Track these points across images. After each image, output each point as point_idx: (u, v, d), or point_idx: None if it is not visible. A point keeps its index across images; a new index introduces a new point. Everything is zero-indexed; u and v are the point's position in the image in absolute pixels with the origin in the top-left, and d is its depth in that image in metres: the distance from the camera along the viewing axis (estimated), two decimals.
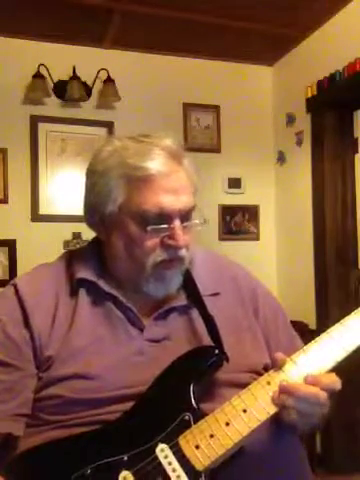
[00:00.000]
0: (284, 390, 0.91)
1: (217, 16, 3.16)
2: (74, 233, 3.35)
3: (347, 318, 0.97)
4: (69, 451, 0.94)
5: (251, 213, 3.80)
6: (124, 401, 0.98)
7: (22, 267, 3.23)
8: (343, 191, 3.32)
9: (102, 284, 1.10)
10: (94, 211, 1.11)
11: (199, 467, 0.86)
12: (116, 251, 1.10)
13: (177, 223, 1.05)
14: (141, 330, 1.09)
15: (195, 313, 1.12)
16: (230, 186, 3.75)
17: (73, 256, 1.19)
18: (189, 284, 1.14)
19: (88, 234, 1.23)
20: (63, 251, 1.27)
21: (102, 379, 1.01)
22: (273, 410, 0.89)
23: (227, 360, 1.02)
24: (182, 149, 1.10)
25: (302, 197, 3.50)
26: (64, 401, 1.00)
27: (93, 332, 1.07)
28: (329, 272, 3.27)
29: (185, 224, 1.07)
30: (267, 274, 3.73)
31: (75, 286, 1.11)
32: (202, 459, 0.86)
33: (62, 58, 3.40)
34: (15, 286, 1.11)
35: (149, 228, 1.04)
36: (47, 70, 3.33)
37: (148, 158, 1.04)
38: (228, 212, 3.75)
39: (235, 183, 3.75)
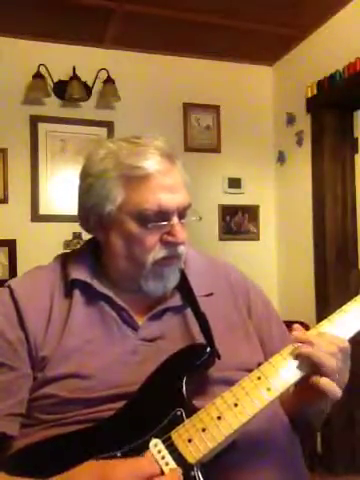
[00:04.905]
0: (298, 340, 0.94)
1: (217, 16, 3.17)
2: (74, 233, 3.35)
3: None
4: (62, 448, 0.94)
5: (251, 213, 3.81)
6: (118, 400, 0.99)
7: (22, 267, 3.23)
8: (343, 191, 3.33)
9: (96, 284, 1.12)
10: (91, 213, 1.12)
11: (191, 460, 0.86)
12: (115, 251, 1.11)
13: (175, 220, 1.07)
14: (135, 330, 1.10)
15: (189, 313, 1.13)
16: (230, 186, 3.75)
17: (68, 258, 1.20)
18: (183, 285, 1.15)
19: (88, 234, 1.23)
20: (63, 251, 1.28)
21: (96, 378, 1.02)
22: (263, 404, 0.89)
23: (219, 357, 1.03)
24: (173, 149, 1.12)
25: (302, 197, 3.50)
26: (59, 400, 1.01)
27: (87, 332, 1.07)
28: (329, 272, 3.27)
29: (182, 221, 1.10)
30: (267, 274, 3.74)
31: (69, 287, 1.12)
32: (194, 452, 0.86)
33: (62, 58, 3.41)
34: (10, 288, 1.12)
35: (150, 225, 1.05)
36: (47, 70, 3.34)
37: (144, 158, 1.06)
38: (228, 212, 3.75)
39: (235, 183, 3.76)
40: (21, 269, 3.24)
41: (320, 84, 3.26)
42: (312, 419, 1.14)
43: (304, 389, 0.99)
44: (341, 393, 0.93)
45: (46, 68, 3.33)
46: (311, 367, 0.93)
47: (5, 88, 3.32)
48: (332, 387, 0.92)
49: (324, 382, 0.92)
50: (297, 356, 0.93)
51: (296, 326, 0.98)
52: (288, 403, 1.08)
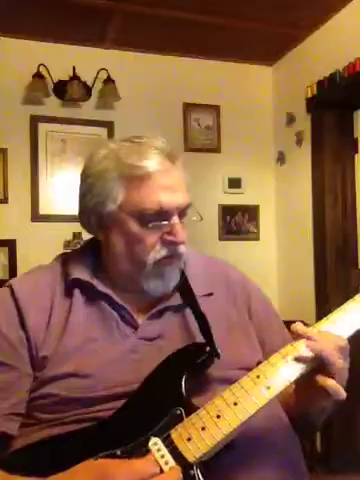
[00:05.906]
0: (299, 333, 0.95)
1: (217, 16, 3.16)
2: (74, 233, 3.35)
3: None
4: (62, 448, 0.95)
5: (251, 213, 3.81)
6: (119, 399, 0.99)
7: (22, 267, 3.24)
8: (343, 191, 3.33)
9: (96, 284, 1.12)
10: (91, 212, 1.12)
11: (191, 459, 0.86)
12: (116, 250, 1.11)
13: (176, 219, 1.07)
14: (135, 329, 1.10)
15: (189, 313, 1.14)
16: (230, 186, 3.75)
17: (68, 257, 1.20)
18: (183, 284, 1.16)
19: (88, 234, 1.24)
20: (63, 251, 1.28)
21: (96, 377, 1.02)
22: (263, 402, 0.90)
23: (218, 356, 1.03)
24: (174, 149, 1.12)
25: (302, 197, 3.50)
26: (59, 400, 1.01)
27: (87, 331, 1.08)
28: (329, 272, 3.27)
29: (183, 220, 1.10)
30: (267, 274, 3.75)
31: (70, 286, 1.13)
32: (194, 451, 0.86)
33: (62, 58, 3.41)
34: (11, 287, 1.12)
35: (150, 225, 1.06)
36: (47, 70, 3.34)
37: (145, 158, 1.06)
38: (228, 212, 3.75)
39: (235, 183, 3.76)
40: (21, 269, 3.24)
41: (320, 84, 3.25)
42: (313, 418, 1.14)
43: (305, 388, 0.99)
44: (345, 393, 0.94)
45: (46, 68, 3.33)
46: (311, 365, 0.93)
47: (5, 88, 3.32)
48: (336, 387, 0.93)
49: (329, 383, 0.92)
50: (297, 356, 0.93)
51: (297, 323, 0.98)
52: (289, 402, 1.09)
